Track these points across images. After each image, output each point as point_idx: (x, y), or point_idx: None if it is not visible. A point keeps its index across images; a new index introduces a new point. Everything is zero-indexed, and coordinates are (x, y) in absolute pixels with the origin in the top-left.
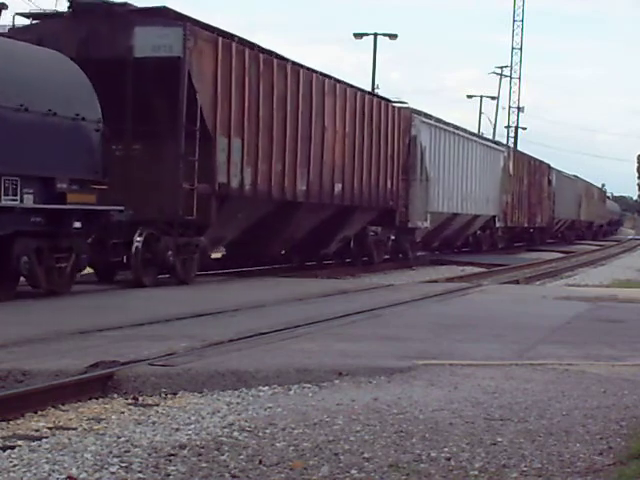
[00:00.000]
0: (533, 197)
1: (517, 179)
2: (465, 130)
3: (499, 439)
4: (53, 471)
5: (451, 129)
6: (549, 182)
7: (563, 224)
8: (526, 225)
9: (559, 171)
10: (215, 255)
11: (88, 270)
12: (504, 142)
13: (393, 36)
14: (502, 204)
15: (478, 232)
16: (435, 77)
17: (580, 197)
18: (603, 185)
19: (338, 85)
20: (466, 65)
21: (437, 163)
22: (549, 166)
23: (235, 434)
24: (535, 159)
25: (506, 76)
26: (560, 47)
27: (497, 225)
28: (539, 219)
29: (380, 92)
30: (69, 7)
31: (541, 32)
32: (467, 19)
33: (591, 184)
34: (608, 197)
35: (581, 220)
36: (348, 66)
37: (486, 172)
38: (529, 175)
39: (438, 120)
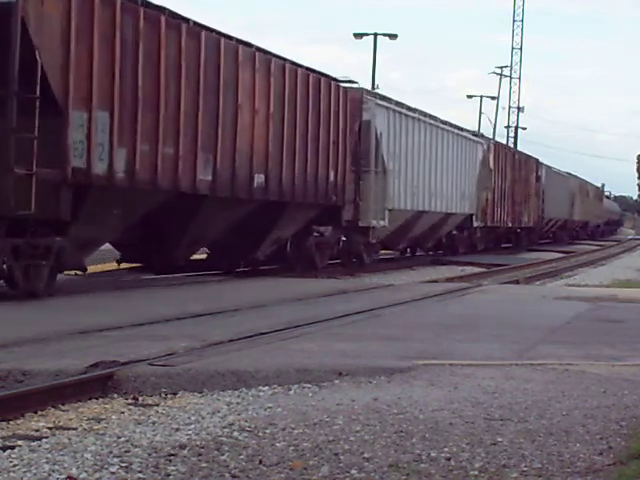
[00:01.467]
0: (518, 194)
1: (499, 174)
2: (435, 117)
3: (499, 439)
4: (53, 471)
5: (416, 115)
6: (537, 178)
7: (554, 224)
8: (510, 225)
9: (549, 167)
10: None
11: None
12: (504, 142)
13: (393, 36)
14: (481, 202)
15: (454, 232)
16: (435, 77)
17: (573, 195)
18: (603, 185)
19: (259, 54)
20: (466, 65)
21: (398, 153)
22: (537, 161)
23: (235, 434)
24: (521, 153)
25: (506, 76)
26: (560, 47)
27: (475, 225)
28: (526, 219)
29: (380, 92)
30: None
31: (541, 32)
32: (467, 19)
33: (586, 181)
34: (607, 196)
35: (575, 220)
36: (348, 66)
37: (461, 166)
38: (514, 170)
39: (400, 104)
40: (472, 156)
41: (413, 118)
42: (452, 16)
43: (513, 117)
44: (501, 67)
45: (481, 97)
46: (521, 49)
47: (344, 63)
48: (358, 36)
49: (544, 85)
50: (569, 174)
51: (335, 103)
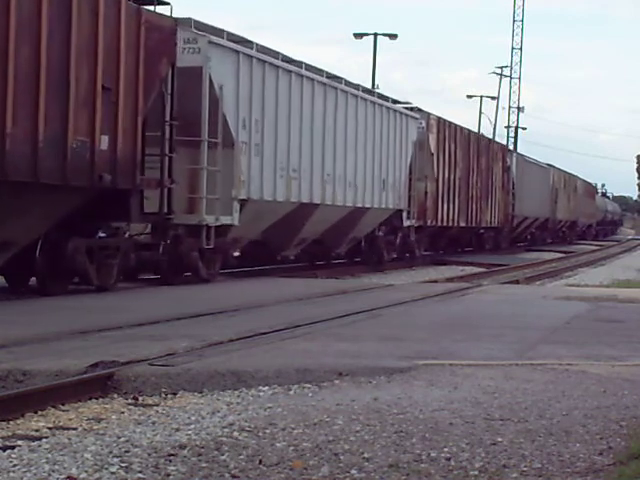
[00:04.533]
0: (477, 187)
1: (446, 161)
2: (338, 78)
3: (499, 439)
4: (53, 471)
5: (294, 68)
6: (505, 169)
7: (531, 224)
8: (464, 225)
9: (522, 155)
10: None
11: None
12: (504, 142)
13: (393, 36)
14: (418, 195)
15: (379, 234)
16: (437, 77)
17: (555, 190)
18: (603, 185)
19: None
20: (467, 65)
21: (260, 120)
22: (505, 147)
23: (235, 434)
24: (482, 136)
25: (506, 76)
26: (561, 47)
27: (406, 224)
28: (489, 217)
29: (381, 92)
30: None
31: (542, 33)
32: (468, 19)
33: (572, 175)
34: (604, 194)
35: (558, 219)
36: (351, 67)
37: (382, 146)
38: (470, 157)
39: (264, 50)
40: (401, 134)
41: (287, 71)
42: (453, 16)
43: (513, 117)
44: (501, 67)
45: (481, 97)
46: (521, 49)
47: (347, 64)
48: (358, 36)
49: (545, 85)
50: (550, 166)
51: (112, 28)
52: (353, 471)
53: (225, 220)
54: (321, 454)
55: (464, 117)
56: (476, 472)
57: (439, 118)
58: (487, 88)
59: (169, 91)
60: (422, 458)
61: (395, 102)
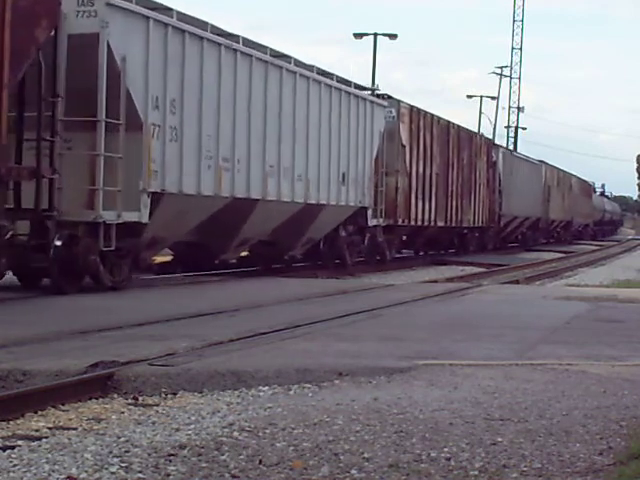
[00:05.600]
0: (457, 184)
1: (420, 154)
2: (284, 56)
3: (499, 439)
4: (53, 471)
5: (224, 41)
6: (491, 164)
7: (521, 224)
8: (443, 224)
9: (510, 151)
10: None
11: None
12: (504, 143)
13: (393, 36)
14: (387, 191)
15: (342, 234)
16: (437, 77)
17: (548, 188)
18: (603, 185)
19: None
20: (467, 65)
21: (179, 101)
22: (490, 141)
23: (235, 434)
24: (462, 128)
25: (506, 76)
26: (561, 48)
27: (372, 223)
28: (471, 216)
29: (381, 92)
30: None
31: (542, 33)
32: (468, 20)
33: (566, 172)
34: (603, 193)
35: (551, 218)
36: (351, 67)
37: (342, 135)
38: (449, 151)
39: (189, 19)
40: (365, 123)
41: (226, 48)
42: (453, 16)
43: (513, 117)
44: (501, 67)
45: (481, 97)
46: (521, 49)
47: (344, 64)
48: (358, 36)
49: (544, 85)
50: (542, 162)
51: None
52: (353, 471)
53: (130, 217)
54: (321, 454)
55: (464, 117)
56: (476, 472)
57: (411, 107)
58: (487, 88)
59: (50, 61)
60: (422, 458)
61: (361, 88)
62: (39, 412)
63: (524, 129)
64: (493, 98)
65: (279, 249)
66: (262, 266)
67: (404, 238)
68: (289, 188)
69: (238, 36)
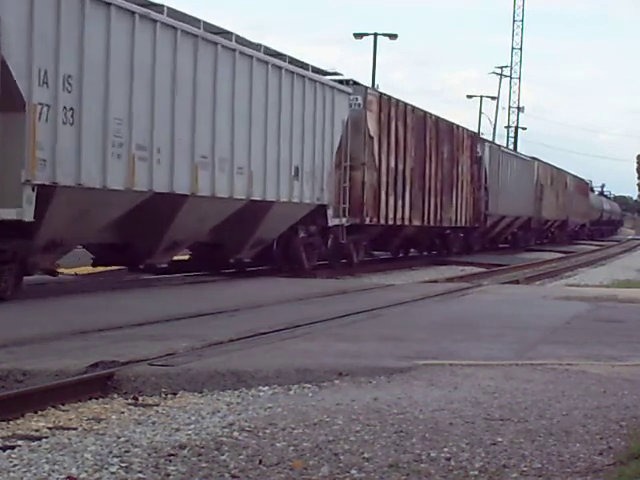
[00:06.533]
0: (437, 180)
1: (392, 147)
2: (224, 32)
3: (499, 439)
4: (53, 471)
5: (140, 9)
6: (475, 159)
7: (510, 223)
8: (419, 224)
9: (497, 145)
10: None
11: None
12: (504, 143)
13: (393, 36)
14: (353, 187)
15: (302, 234)
16: (438, 77)
17: (540, 186)
18: (603, 185)
19: None
20: (467, 65)
21: (77, 77)
22: (475, 135)
23: (235, 434)
24: (442, 119)
25: (506, 76)
26: (561, 48)
27: (333, 222)
28: (454, 215)
29: (382, 91)
30: None
31: (542, 33)
32: (469, 20)
33: (561, 170)
34: (602, 193)
35: (544, 218)
36: (351, 67)
37: (295, 125)
38: (427, 143)
39: None
40: (323, 111)
41: (140, 17)
42: (453, 16)
43: (513, 117)
44: (501, 67)
45: (481, 97)
46: (521, 49)
47: (345, 64)
48: (358, 36)
49: (545, 86)
50: (534, 158)
51: None
52: (353, 471)
53: (7, 214)
54: (321, 454)
55: (464, 117)
56: (476, 472)
57: (381, 94)
58: (487, 88)
59: None
60: (422, 458)
61: (321, 72)
62: (39, 412)
63: (524, 129)
64: (493, 98)
65: (224, 252)
66: (210, 271)
67: (378, 238)
68: (227, 182)
69: (162, 6)
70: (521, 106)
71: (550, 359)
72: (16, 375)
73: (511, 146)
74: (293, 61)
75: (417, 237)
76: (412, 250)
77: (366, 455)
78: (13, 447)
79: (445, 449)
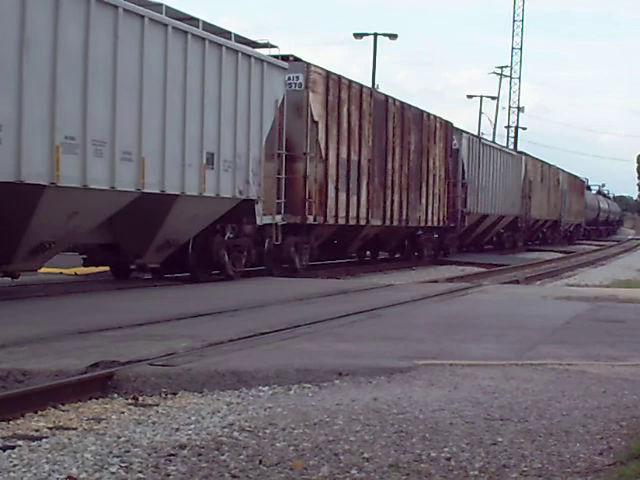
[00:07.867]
0: (401, 174)
1: (343, 134)
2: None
3: (499, 439)
4: (53, 471)
5: None
6: (451, 152)
7: (493, 223)
8: (379, 224)
9: (477, 137)
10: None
11: None
12: (504, 142)
13: (393, 36)
14: (292, 180)
15: (229, 236)
16: (439, 78)
17: (529, 183)
18: (603, 185)
19: None
20: (469, 65)
21: None
22: (449, 125)
23: (235, 434)
24: (408, 105)
25: (506, 76)
26: (562, 48)
27: (263, 221)
28: (424, 214)
29: (383, 92)
30: None
31: (543, 33)
32: (469, 20)
33: (553, 166)
34: (600, 192)
35: (533, 217)
36: (354, 68)
37: (210, 103)
38: (388, 132)
39: None
40: (249, 88)
41: None
42: (453, 16)
43: (513, 117)
44: (501, 67)
45: (481, 97)
46: (521, 49)
47: (347, 64)
48: (358, 36)
49: (546, 86)
50: (522, 153)
51: None
52: (353, 471)
53: None
54: (321, 454)
55: (465, 117)
56: (476, 472)
57: (328, 72)
58: (488, 88)
59: None
60: (422, 458)
61: (250, 44)
62: (39, 412)
63: (524, 129)
64: (493, 98)
65: (123, 254)
66: (114, 276)
67: (332, 240)
68: (106, 170)
69: None
70: (521, 106)
71: (550, 359)
72: (16, 375)
73: (511, 146)
74: (208, 26)
75: (381, 239)
76: (383, 253)
77: (366, 455)
78: (13, 447)
79: (445, 449)
